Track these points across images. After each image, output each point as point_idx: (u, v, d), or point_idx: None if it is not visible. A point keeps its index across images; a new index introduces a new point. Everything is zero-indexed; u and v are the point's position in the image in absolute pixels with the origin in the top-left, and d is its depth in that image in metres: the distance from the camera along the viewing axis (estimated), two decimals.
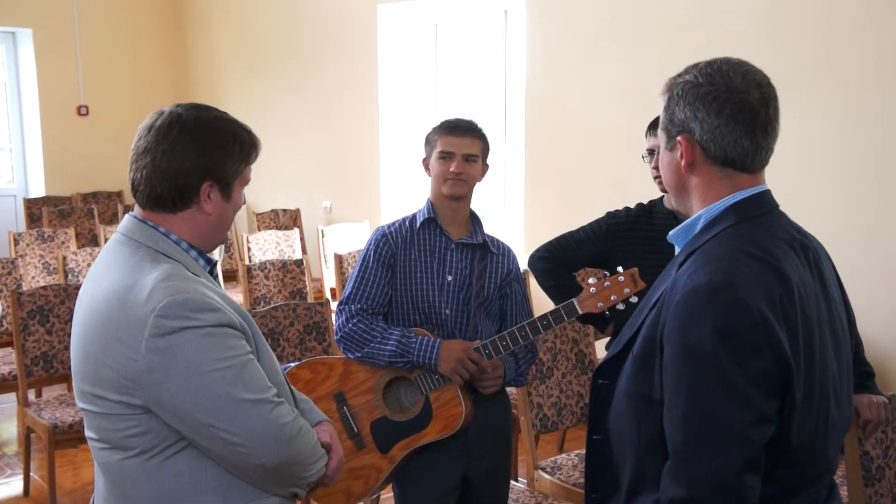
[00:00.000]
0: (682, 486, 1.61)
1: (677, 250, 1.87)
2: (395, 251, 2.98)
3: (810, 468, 1.73)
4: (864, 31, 4.52)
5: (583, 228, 3.25)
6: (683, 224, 1.81)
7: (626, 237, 3.15)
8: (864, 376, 2.94)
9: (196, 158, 1.90)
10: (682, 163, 1.75)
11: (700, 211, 1.77)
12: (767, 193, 1.77)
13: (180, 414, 1.81)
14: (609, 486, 1.90)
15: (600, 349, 3.66)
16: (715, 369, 1.58)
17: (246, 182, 2.02)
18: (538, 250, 3.29)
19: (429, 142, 3.04)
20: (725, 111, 1.69)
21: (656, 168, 2.95)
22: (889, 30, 4.42)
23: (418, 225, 3.02)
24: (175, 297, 1.80)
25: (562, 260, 3.25)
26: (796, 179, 4.79)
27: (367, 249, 3.02)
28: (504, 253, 3.09)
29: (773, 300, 1.60)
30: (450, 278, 2.97)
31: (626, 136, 5.37)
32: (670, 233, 1.85)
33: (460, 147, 2.97)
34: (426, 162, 3.07)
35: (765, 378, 1.58)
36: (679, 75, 1.78)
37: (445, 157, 2.97)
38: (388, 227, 3.06)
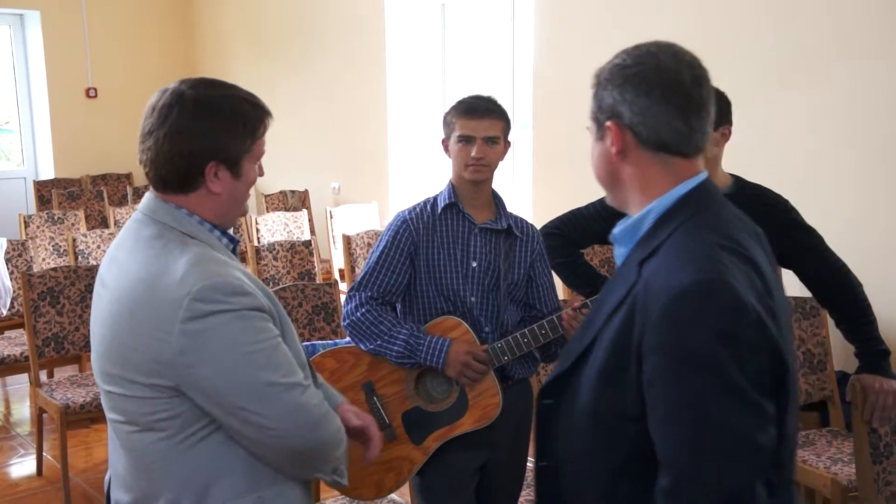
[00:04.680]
0: None
1: (617, 252, 1.74)
2: (415, 239, 2.87)
3: (790, 465, 1.64)
4: (872, 5, 4.49)
5: (592, 205, 3.20)
6: (629, 223, 1.67)
7: None
8: (879, 355, 2.91)
9: (198, 141, 1.86)
10: (614, 150, 1.64)
11: (648, 205, 1.63)
12: (710, 180, 1.67)
13: (213, 396, 1.80)
14: None
15: None
16: (717, 376, 1.45)
17: (258, 157, 1.96)
18: (546, 226, 3.23)
19: (447, 123, 2.89)
20: (656, 92, 1.59)
21: None
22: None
23: (440, 210, 2.89)
24: (209, 282, 1.78)
25: (570, 236, 3.18)
26: (808, 158, 4.77)
27: (386, 236, 2.91)
28: (529, 235, 2.98)
29: (758, 294, 1.51)
30: (474, 264, 2.87)
31: None
32: (614, 231, 1.71)
33: (479, 130, 2.81)
34: (445, 143, 2.92)
35: (762, 377, 1.48)
36: (608, 63, 1.67)
37: (465, 141, 2.82)
38: (409, 212, 2.93)
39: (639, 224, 1.65)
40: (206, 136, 1.86)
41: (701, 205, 1.61)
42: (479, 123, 2.82)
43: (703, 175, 1.64)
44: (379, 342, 2.84)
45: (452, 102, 2.94)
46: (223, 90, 1.93)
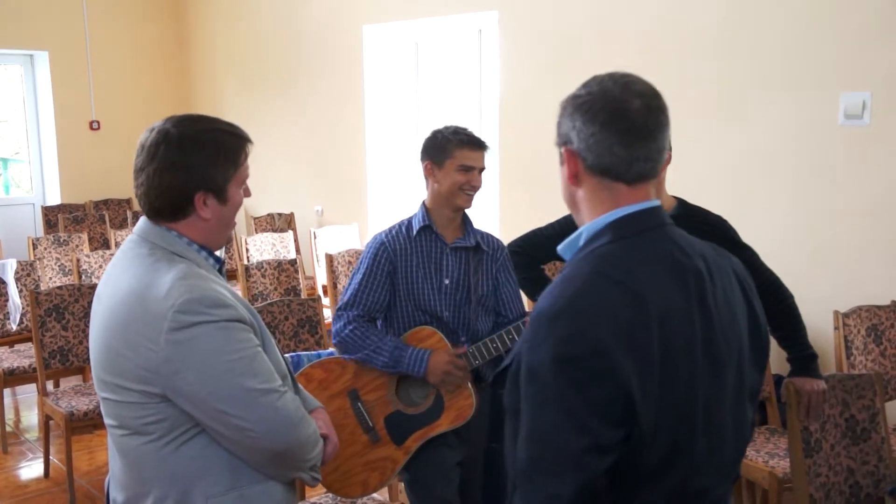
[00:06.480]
0: None
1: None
2: (393, 259, 2.89)
3: (674, 497, 1.53)
4: (801, 43, 4.55)
5: (550, 225, 3.23)
6: (569, 238, 1.63)
7: None
8: (808, 359, 2.96)
9: (184, 174, 1.86)
10: (567, 175, 1.60)
11: (584, 226, 1.59)
12: (652, 210, 1.58)
13: (196, 401, 1.79)
14: (502, 497, 1.74)
15: None
16: (553, 393, 1.42)
17: (243, 181, 1.96)
18: (511, 244, 3.27)
19: (441, 150, 2.89)
20: (599, 118, 1.53)
21: None
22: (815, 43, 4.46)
23: (415, 232, 2.92)
24: (192, 295, 1.78)
25: (532, 254, 3.22)
26: (746, 186, 4.81)
27: (366, 257, 2.93)
28: (495, 248, 3.03)
29: (620, 326, 1.42)
30: (447, 281, 2.90)
31: None
32: (559, 246, 1.66)
33: (479, 161, 2.89)
34: (430, 168, 2.92)
35: (607, 407, 1.41)
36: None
37: (467, 170, 2.87)
38: (386, 235, 2.95)
39: (575, 241, 1.61)
40: (193, 168, 1.86)
41: (620, 233, 1.54)
42: (480, 156, 2.91)
43: (644, 204, 1.57)
44: (366, 352, 2.87)
45: (426, 132, 2.97)
46: (204, 125, 1.93)
